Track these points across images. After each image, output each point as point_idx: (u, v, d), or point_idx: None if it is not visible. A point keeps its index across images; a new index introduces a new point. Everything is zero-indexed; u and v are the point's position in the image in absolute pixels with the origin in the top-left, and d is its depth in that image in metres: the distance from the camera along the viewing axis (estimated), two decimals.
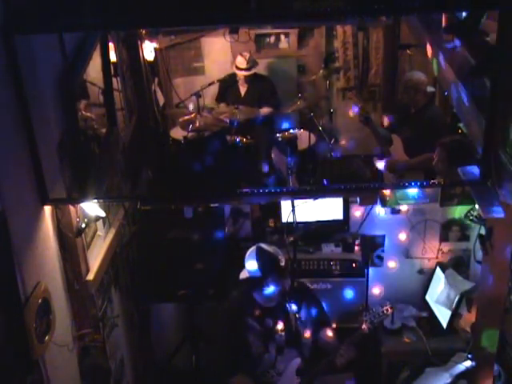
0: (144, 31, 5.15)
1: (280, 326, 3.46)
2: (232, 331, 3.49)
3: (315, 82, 6.09)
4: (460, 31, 3.42)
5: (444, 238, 4.45)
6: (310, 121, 5.66)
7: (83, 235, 3.05)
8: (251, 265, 3.36)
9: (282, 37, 6.59)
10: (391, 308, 3.54)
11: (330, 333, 3.59)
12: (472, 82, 3.05)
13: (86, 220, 2.98)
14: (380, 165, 4.76)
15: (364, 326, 3.44)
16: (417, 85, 4.90)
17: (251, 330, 3.45)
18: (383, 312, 3.51)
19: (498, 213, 2.71)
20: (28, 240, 2.52)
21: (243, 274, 3.45)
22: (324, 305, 3.79)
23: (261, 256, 3.35)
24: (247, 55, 5.85)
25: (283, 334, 3.47)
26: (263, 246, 3.43)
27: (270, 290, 3.36)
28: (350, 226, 4.53)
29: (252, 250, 3.42)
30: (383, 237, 4.48)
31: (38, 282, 2.54)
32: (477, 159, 2.85)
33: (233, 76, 6.05)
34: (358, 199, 4.32)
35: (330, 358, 3.41)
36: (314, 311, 3.54)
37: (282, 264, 3.38)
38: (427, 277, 4.51)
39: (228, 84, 6.05)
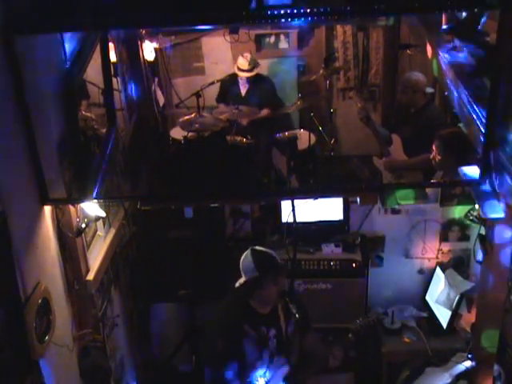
0: (144, 31, 5.15)
1: (272, 332, 3.41)
2: (227, 338, 3.37)
3: (315, 81, 6.08)
4: (460, 31, 3.43)
5: (444, 238, 4.45)
6: (309, 121, 5.66)
7: (83, 235, 3.05)
8: (248, 266, 3.28)
9: (282, 37, 6.58)
10: (375, 320, 3.52)
11: (314, 337, 3.56)
12: (472, 81, 3.06)
13: (86, 220, 2.98)
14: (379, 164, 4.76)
15: (350, 335, 3.41)
16: (415, 85, 4.89)
17: (247, 337, 3.36)
18: (371, 321, 3.48)
19: (498, 213, 2.71)
20: (28, 240, 2.52)
21: (239, 281, 3.34)
22: (322, 305, 3.77)
23: (256, 255, 3.28)
24: (248, 56, 5.82)
25: (275, 340, 3.41)
26: (256, 247, 3.39)
27: (269, 291, 3.32)
28: (350, 226, 4.53)
29: (246, 252, 3.34)
30: (383, 237, 4.48)
31: (38, 282, 2.54)
32: (476, 159, 2.85)
33: (233, 76, 6.04)
34: (358, 199, 4.32)
35: (323, 361, 3.39)
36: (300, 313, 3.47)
37: (279, 261, 3.34)
38: (427, 277, 4.52)
39: (229, 84, 6.05)
